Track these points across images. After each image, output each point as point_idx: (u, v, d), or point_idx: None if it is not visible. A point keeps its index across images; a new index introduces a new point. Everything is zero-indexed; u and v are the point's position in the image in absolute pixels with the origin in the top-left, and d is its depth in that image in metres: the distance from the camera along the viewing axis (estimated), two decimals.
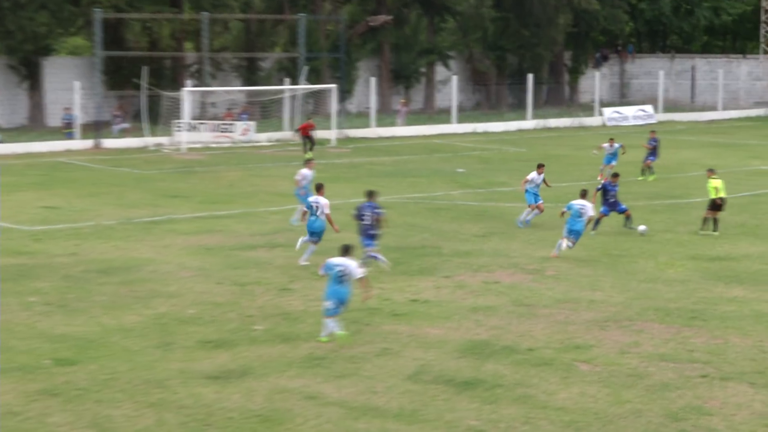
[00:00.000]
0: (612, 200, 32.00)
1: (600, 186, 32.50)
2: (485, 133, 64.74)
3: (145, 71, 56.94)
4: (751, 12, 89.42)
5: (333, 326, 20.05)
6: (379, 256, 26.19)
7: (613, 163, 41.66)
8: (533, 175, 32.85)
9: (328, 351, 19.52)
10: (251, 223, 33.11)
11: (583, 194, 29.13)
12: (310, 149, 51.43)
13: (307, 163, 32.72)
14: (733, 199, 37.64)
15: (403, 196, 38.90)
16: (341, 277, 19.85)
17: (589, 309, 22.92)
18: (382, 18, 73.52)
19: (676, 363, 19.10)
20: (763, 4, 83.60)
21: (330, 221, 26.75)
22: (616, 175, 33.07)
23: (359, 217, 26.07)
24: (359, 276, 19.96)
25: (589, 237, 29.91)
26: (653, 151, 44.31)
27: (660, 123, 69.69)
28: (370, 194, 26.47)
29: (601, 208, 31.84)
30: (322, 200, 26.92)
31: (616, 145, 42.21)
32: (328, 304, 19.98)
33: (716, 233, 31.42)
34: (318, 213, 26.72)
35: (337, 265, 19.94)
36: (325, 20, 71.87)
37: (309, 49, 65.07)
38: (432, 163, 49.53)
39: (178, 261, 27.48)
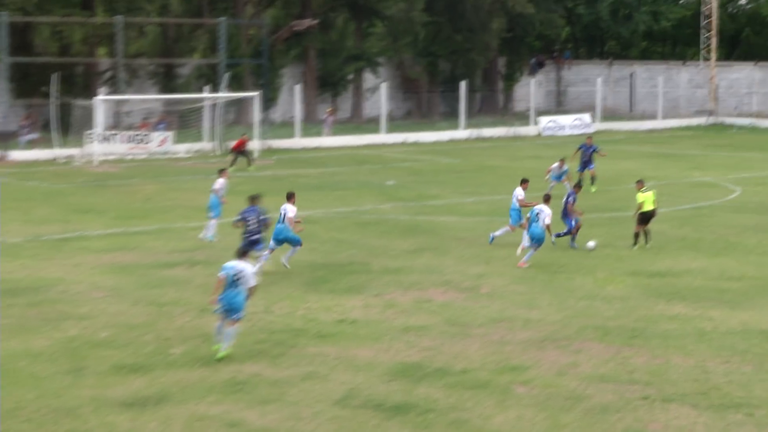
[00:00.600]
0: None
1: (570, 198, 32.37)
2: (416, 144, 64.97)
3: (55, 78, 56.36)
4: (690, 17, 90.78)
5: (218, 331, 20.48)
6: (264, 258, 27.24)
7: (563, 178, 41.78)
8: (520, 191, 32.01)
9: (251, 375, 19.41)
10: (169, 240, 32.88)
11: (546, 199, 29.73)
12: (249, 163, 51.41)
13: (222, 172, 33.51)
14: (674, 212, 38.09)
15: (329, 210, 38.88)
16: (235, 281, 20.36)
17: (525, 328, 23.01)
18: (307, 22, 73.58)
19: (616, 384, 19.22)
20: (703, 9, 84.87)
21: (291, 224, 28.06)
22: (579, 186, 33.88)
23: (245, 221, 27.02)
24: (252, 284, 20.56)
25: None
26: (587, 162, 44.54)
27: (598, 132, 70.30)
28: (253, 198, 27.62)
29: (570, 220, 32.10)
30: (288, 206, 28.31)
31: (565, 167, 42.57)
32: (217, 306, 20.49)
33: (647, 245, 31.66)
34: (284, 220, 28.07)
35: (233, 268, 20.46)
36: (247, 24, 71.75)
37: (230, 54, 64.92)
38: (360, 176, 49.56)
39: (91, 280, 27.19)
